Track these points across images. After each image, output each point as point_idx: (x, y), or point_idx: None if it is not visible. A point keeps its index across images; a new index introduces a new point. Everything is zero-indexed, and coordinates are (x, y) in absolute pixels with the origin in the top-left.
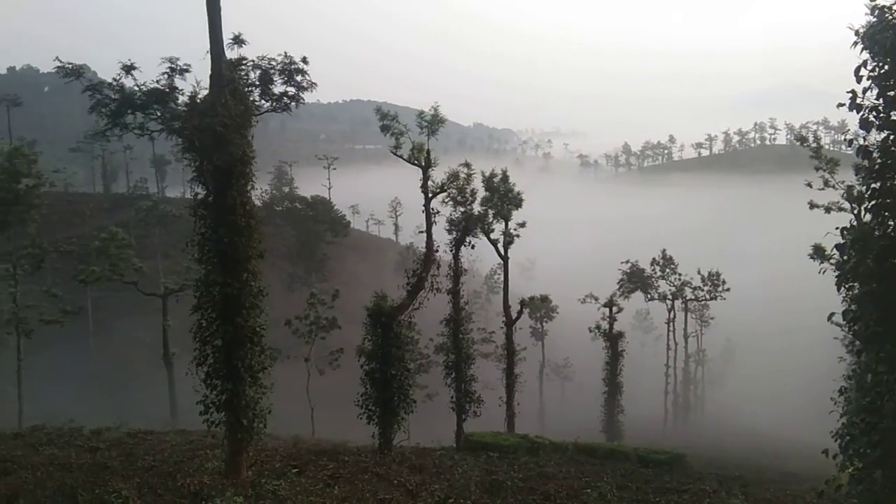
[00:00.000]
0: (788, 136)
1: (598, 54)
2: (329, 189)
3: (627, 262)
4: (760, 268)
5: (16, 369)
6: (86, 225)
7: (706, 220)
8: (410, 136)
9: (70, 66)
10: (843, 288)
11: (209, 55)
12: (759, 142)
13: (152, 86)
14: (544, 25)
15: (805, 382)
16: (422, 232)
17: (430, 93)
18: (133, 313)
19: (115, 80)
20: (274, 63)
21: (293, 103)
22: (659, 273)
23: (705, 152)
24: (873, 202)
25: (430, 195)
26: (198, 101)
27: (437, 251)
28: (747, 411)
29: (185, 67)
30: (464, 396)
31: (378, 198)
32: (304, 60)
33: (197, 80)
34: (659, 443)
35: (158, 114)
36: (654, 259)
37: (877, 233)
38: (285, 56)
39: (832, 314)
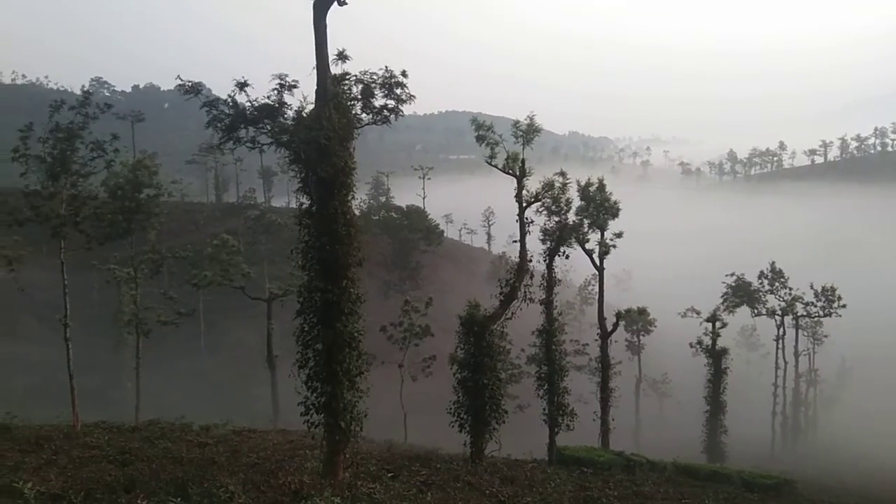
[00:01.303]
0: None
1: (697, 56)
2: (423, 199)
3: (732, 274)
4: (880, 283)
5: (135, 367)
6: (199, 232)
7: (820, 231)
8: (505, 145)
9: (189, 83)
10: None
11: (315, 71)
12: (879, 148)
13: (263, 101)
14: (633, 32)
15: None
16: (515, 241)
17: (525, 103)
18: (240, 316)
19: (229, 96)
20: (375, 77)
21: (392, 116)
22: (767, 287)
23: (819, 159)
24: None
25: (524, 204)
26: (304, 115)
27: (530, 261)
28: (864, 437)
29: (293, 83)
30: (556, 409)
31: (471, 207)
32: (404, 74)
33: (304, 95)
34: (765, 466)
35: (268, 128)
36: (761, 272)
37: None
38: (386, 70)
39: None
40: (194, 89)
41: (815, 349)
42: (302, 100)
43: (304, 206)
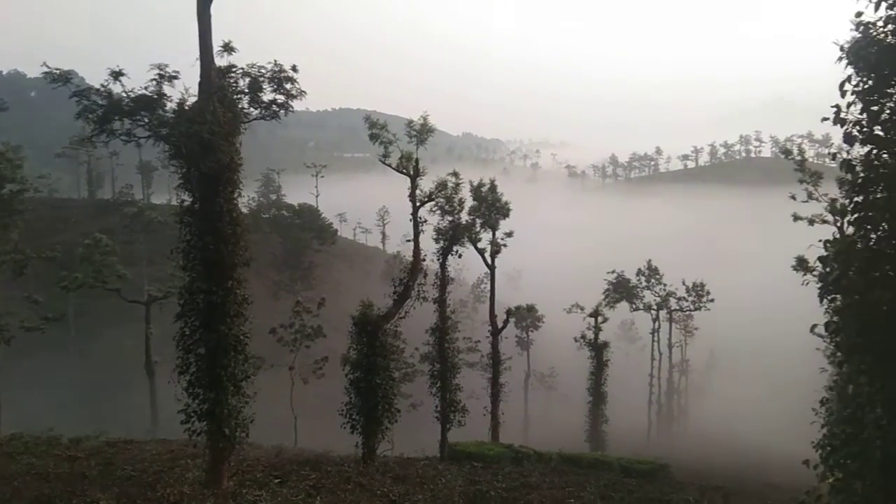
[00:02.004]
0: (773, 150)
1: (585, 68)
2: (316, 197)
3: (613, 272)
4: (745, 279)
5: None
6: (70, 231)
7: (691, 231)
8: (399, 144)
9: (57, 71)
10: (825, 299)
11: (199, 62)
12: (744, 154)
13: (140, 92)
14: (531, 39)
15: (788, 393)
16: (409, 241)
17: (420, 103)
18: (116, 321)
19: (102, 86)
20: (263, 71)
21: (282, 111)
22: (644, 283)
23: (691, 164)
24: (856, 215)
25: (417, 204)
26: (186, 107)
27: (424, 260)
28: (730, 422)
29: (173, 74)
30: (448, 406)
31: (366, 206)
32: (294, 69)
33: (186, 88)
34: (642, 453)
35: (146, 120)
36: (639, 269)
37: (859, 245)
38: (275, 64)
39: (814, 325)
40: (63, 77)
41: (687, 341)
42: (184, 92)
43: (186, 203)
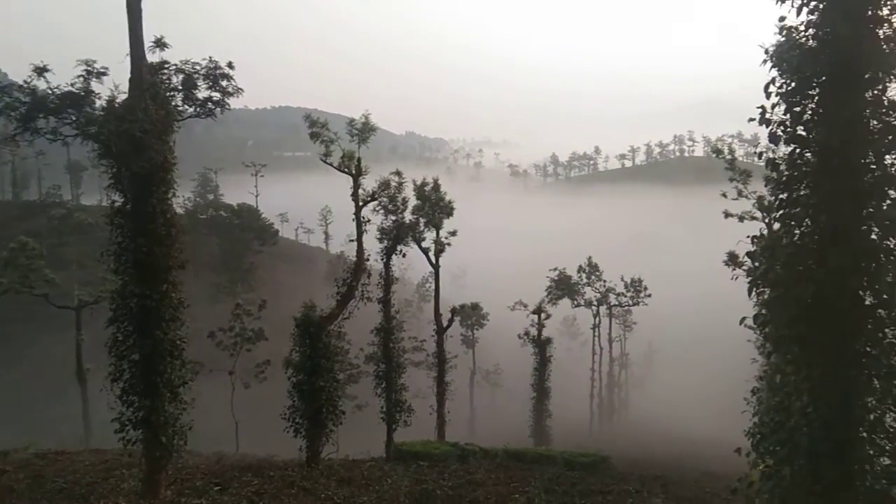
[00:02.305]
0: (706, 149)
1: (528, 68)
2: (256, 197)
3: (555, 269)
4: (681, 274)
5: None
6: None
7: (630, 228)
8: (341, 143)
9: None
10: (754, 293)
11: (129, 58)
12: (678, 154)
13: (67, 89)
14: (476, 40)
15: (723, 383)
16: (352, 240)
17: (362, 102)
18: (45, 327)
19: (25, 82)
20: (198, 67)
21: (218, 109)
22: (585, 280)
23: (628, 163)
24: (781, 212)
25: (360, 203)
26: (116, 105)
27: (367, 260)
28: (669, 412)
29: (102, 70)
30: (394, 406)
31: (308, 206)
32: (230, 66)
33: (115, 84)
34: (585, 445)
35: (73, 118)
36: (580, 266)
37: (784, 241)
38: (210, 60)
39: (744, 318)
40: None
41: (626, 335)
42: (113, 89)
43: (118, 204)
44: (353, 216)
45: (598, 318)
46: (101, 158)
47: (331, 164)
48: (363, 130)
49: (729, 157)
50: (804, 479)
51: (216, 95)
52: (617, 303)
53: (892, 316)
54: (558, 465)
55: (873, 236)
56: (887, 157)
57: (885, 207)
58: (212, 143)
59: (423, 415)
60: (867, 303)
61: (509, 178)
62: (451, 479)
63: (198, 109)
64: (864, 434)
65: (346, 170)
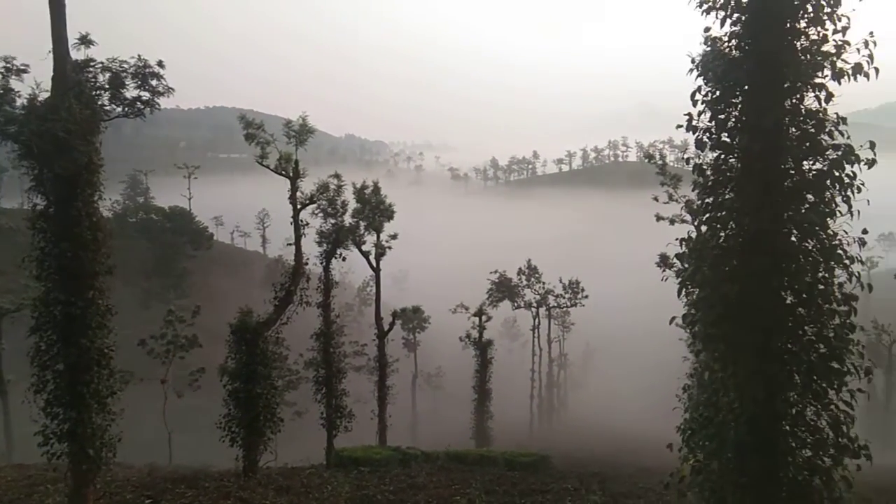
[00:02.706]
0: (639, 154)
1: (466, 74)
2: (189, 199)
3: (496, 272)
4: (617, 276)
5: None
6: None
7: (568, 231)
8: (277, 145)
9: None
10: (683, 293)
11: (51, 55)
12: (613, 159)
13: None
14: (418, 47)
15: (657, 382)
16: (290, 244)
17: (300, 103)
18: None
19: None
20: (126, 66)
21: (147, 109)
22: (525, 282)
23: (566, 168)
24: (707, 215)
25: (298, 206)
26: (37, 103)
27: (306, 264)
28: (606, 411)
29: (22, 68)
30: (334, 412)
31: (244, 209)
32: (161, 64)
33: (37, 82)
34: (525, 445)
35: None
36: (520, 269)
37: (711, 243)
38: (139, 59)
39: (673, 318)
40: None
41: (565, 336)
42: (35, 87)
43: (40, 207)
44: (292, 219)
45: (537, 320)
46: (22, 159)
47: (267, 167)
48: (300, 132)
49: (660, 162)
50: (732, 472)
51: (145, 95)
52: (556, 304)
53: (810, 314)
54: (499, 465)
55: (793, 238)
56: (805, 163)
57: (803, 211)
58: (142, 143)
59: (365, 420)
60: (788, 302)
61: (450, 181)
62: (392, 484)
63: (126, 109)
64: (787, 427)
65: (283, 172)
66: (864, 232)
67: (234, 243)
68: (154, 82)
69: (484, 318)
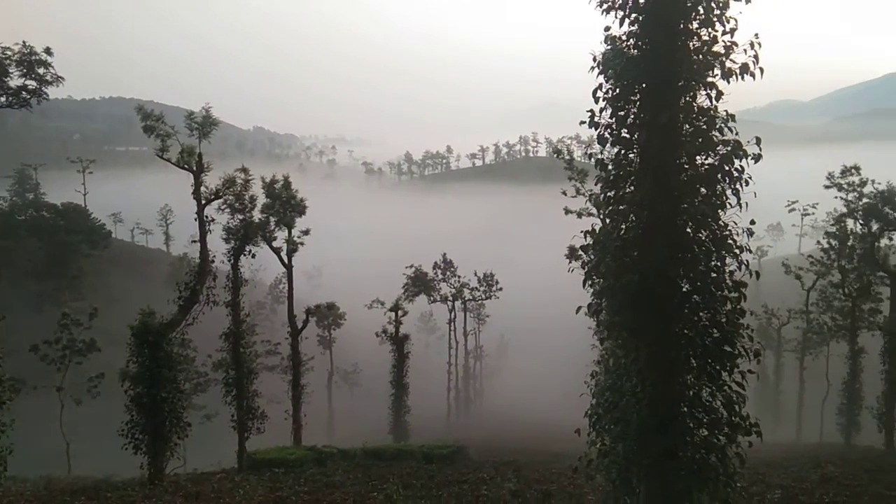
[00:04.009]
0: (548, 149)
1: (384, 70)
2: (84, 195)
3: (411, 266)
4: (530, 268)
5: None
6: None
7: (482, 225)
8: (179, 138)
9: None
10: (588, 284)
11: None
12: (524, 154)
13: None
14: (331, 35)
15: (569, 370)
16: (195, 241)
17: (205, 93)
18: None
19: None
20: (9, 53)
21: (34, 98)
22: (440, 276)
23: (479, 163)
24: (609, 208)
25: (203, 202)
26: None
27: (212, 261)
28: (521, 400)
29: None
30: (246, 414)
31: (145, 205)
32: (48, 51)
33: None
34: (443, 438)
35: None
36: (435, 263)
37: (613, 235)
38: (24, 46)
39: (579, 307)
40: None
41: (480, 328)
42: None
43: None
44: (196, 215)
45: (453, 313)
46: None
47: (168, 160)
48: (204, 124)
49: (567, 157)
50: (635, 453)
51: (31, 84)
52: (471, 297)
53: (705, 300)
54: (417, 459)
55: (688, 230)
56: (698, 158)
57: (697, 204)
58: (31, 136)
59: (279, 420)
60: (684, 290)
61: (364, 175)
62: (307, 484)
63: (10, 99)
64: (685, 409)
65: (185, 166)
66: (752, 223)
67: (135, 241)
68: (41, 70)
69: (400, 312)
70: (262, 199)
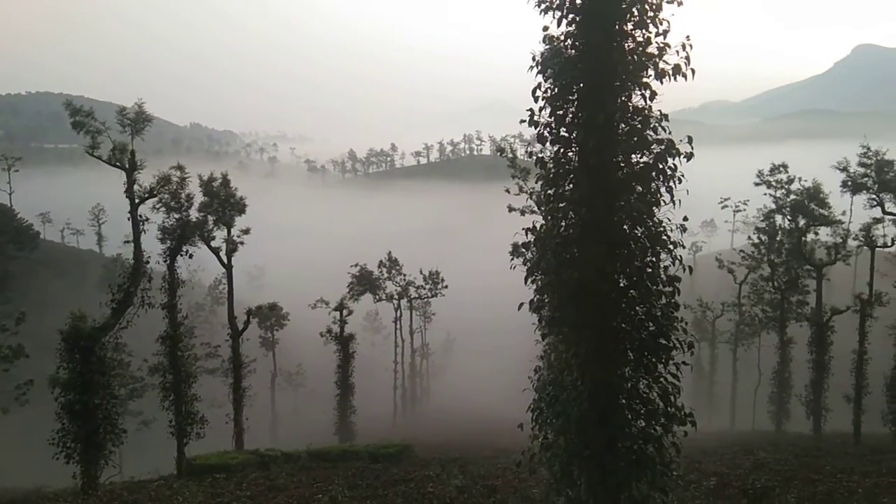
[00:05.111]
0: (492, 148)
1: (323, 66)
2: (10, 194)
3: (356, 265)
4: (476, 265)
5: None
6: None
7: (427, 223)
8: (111, 134)
9: None
10: (530, 280)
11: None
12: (468, 152)
13: None
14: (271, 27)
15: (515, 366)
16: (129, 242)
17: (138, 88)
18: None
19: None
20: None
21: None
22: (386, 275)
23: (424, 160)
24: (550, 206)
25: (136, 201)
26: None
27: (147, 262)
28: (467, 397)
29: None
30: (185, 419)
31: (75, 204)
32: None
33: None
34: (389, 437)
35: None
36: (380, 261)
37: (553, 232)
38: None
39: (521, 304)
40: None
41: (426, 326)
42: None
43: None
44: (129, 215)
45: (399, 312)
46: None
47: (99, 158)
48: (137, 120)
49: (510, 156)
50: (576, 446)
51: None
52: (417, 295)
53: (641, 295)
54: (363, 459)
55: (624, 227)
56: (634, 156)
57: (633, 201)
58: None
59: (220, 425)
60: (621, 285)
61: (307, 173)
62: (249, 489)
63: None
64: (623, 401)
65: (117, 164)
66: (685, 219)
67: (66, 242)
68: None
69: (345, 312)
70: (199, 198)
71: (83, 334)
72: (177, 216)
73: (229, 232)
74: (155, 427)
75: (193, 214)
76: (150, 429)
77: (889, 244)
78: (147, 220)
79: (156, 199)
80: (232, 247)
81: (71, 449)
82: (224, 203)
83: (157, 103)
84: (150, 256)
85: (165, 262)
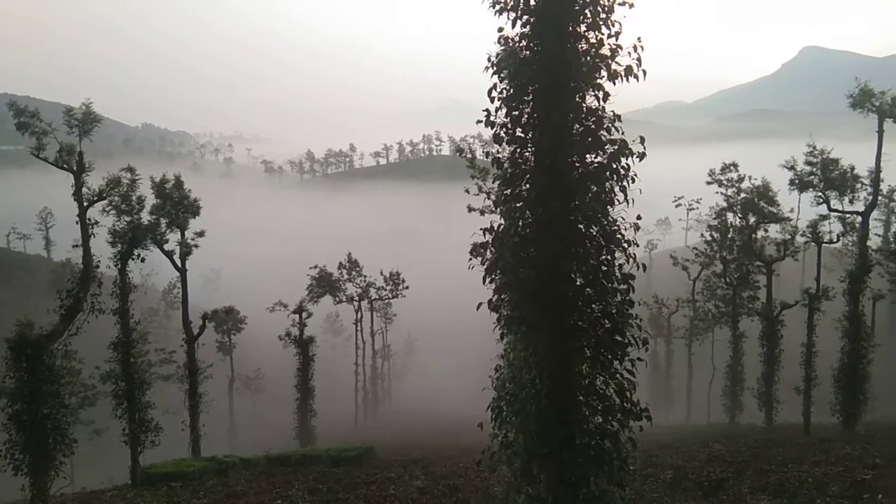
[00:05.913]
0: (451, 148)
1: (281, 64)
2: None
3: (315, 267)
4: (436, 266)
5: None
6: None
7: (387, 223)
8: (58, 135)
9: None
10: (488, 280)
11: None
12: (428, 152)
13: None
14: (229, 25)
15: (476, 364)
16: (78, 246)
17: (87, 87)
18: None
19: None
20: None
21: None
22: (346, 276)
23: (383, 161)
24: (506, 205)
25: (85, 204)
26: None
27: (97, 267)
28: (428, 397)
29: None
30: (138, 427)
31: (21, 208)
32: None
33: None
34: (350, 440)
35: None
36: (340, 263)
37: (511, 232)
38: None
39: (480, 304)
40: None
41: (388, 327)
42: None
43: None
44: (78, 218)
45: (359, 313)
46: None
47: (45, 160)
48: (85, 121)
49: (470, 156)
50: (535, 443)
51: None
52: (378, 297)
53: (597, 292)
54: (324, 463)
55: (580, 226)
56: (588, 156)
57: (587, 200)
58: None
59: (175, 432)
60: (578, 283)
61: (263, 174)
62: (207, 496)
63: None
64: (581, 398)
65: (64, 165)
66: (639, 218)
67: (11, 247)
68: None
69: (304, 314)
70: (151, 200)
71: (30, 342)
72: (128, 219)
73: (183, 235)
74: (108, 436)
75: (145, 217)
76: (102, 438)
77: (835, 240)
78: (96, 223)
79: (105, 201)
80: (186, 250)
81: (19, 460)
82: (177, 205)
83: (107, 103)
84: (100, 261)
85: (116, 266)
